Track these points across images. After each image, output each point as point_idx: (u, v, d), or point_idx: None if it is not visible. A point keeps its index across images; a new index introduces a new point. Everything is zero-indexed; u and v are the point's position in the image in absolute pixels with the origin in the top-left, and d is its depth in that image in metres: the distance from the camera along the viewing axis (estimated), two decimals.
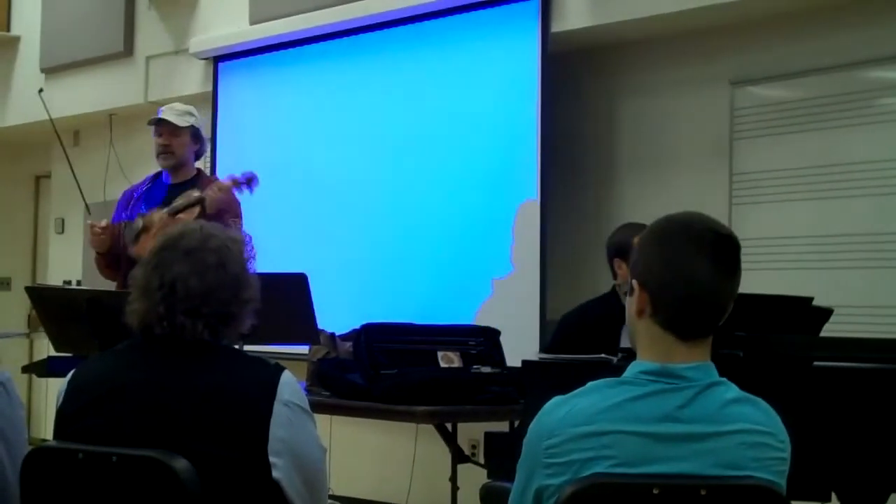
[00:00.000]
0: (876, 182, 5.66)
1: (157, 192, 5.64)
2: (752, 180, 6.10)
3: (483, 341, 5.70)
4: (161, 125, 5.66)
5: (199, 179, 5.67)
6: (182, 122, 5.67)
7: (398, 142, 7.36)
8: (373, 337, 5.46)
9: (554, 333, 5.37)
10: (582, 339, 5.03)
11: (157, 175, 5.77)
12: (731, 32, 6.26)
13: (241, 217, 5.46)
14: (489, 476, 4.89)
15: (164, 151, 5.64)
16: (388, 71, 7.50)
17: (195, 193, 5.39)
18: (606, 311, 5.22)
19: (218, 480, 2.51)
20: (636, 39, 6.63)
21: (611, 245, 5.28)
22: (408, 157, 7.30)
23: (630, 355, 2.40)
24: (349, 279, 7.44)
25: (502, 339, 5.77)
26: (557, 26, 6.59)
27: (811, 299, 4.05)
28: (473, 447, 6.71)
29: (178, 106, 5.75)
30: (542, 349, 5.34)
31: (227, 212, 5.33)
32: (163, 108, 5.74)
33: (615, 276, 5.24)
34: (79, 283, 9.91)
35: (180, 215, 5.25)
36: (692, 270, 2.24)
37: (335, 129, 7.76)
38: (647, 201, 6.45)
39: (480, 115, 6.96)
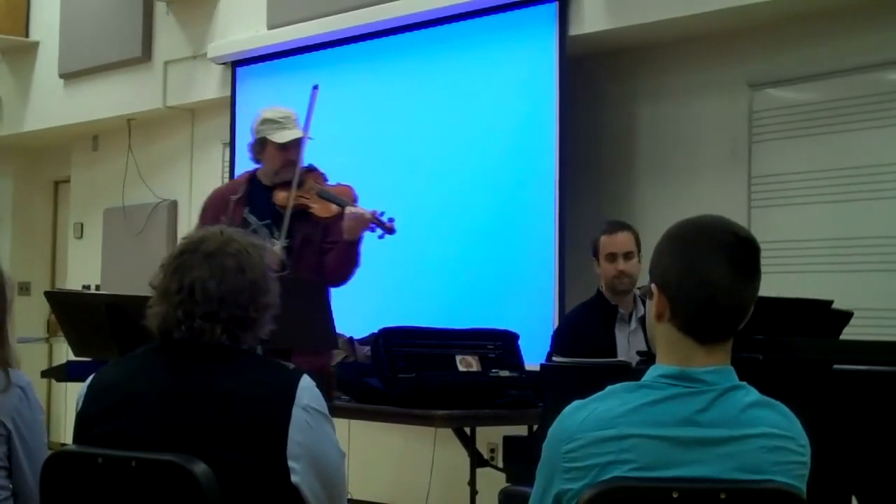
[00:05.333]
0: (895, 184, 5.64)
1: (261, 194, 5.33)
2: (771, 183, 6.09)
3: (501, 345, 5.71)
4: (299, 141, 5.31)
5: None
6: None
7: (416, 145, 7.36)
8: (391, 341, 5.47)
9: (551, 343, 5.41)
10: (575, 345, 5.05)
11: (251, 177, 5.46)
12: (749, 35, 6.25)
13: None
14: (508, 480, 4.90)
15: (294, 164, 5.28)
16: (406, 75, 7.50)
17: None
18: (592, 314, 5.26)
19: (237, 485, 2.52)
20: (654, 43, 6.62)
21: (591, 244, 5.34)
22: (426, 160, 7.30)
23: (649, 359, 2.39)
24: (367, 283, 7.43)
25: (521, 342, 5.77)
26: (575, 30, 6.59)
27: (831, 302, 4.04)
28: (492, 451, 6.72)
29: (292, 114, 5.37)
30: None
31: (339, 233, 5.16)
32: (277, 118, 5.32)
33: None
34: (97, 287, 9.94)
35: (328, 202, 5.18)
36: (711, 274, 2.23)
37: (352, 133, 7.76)
38: (665, 204, 6.44)
39: (499, 119, 6.96)
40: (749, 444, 2.20)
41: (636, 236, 5.30)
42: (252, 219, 5.25)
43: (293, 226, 5.14)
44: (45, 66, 10.65)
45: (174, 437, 2.55)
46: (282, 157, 5.27)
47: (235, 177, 5.48)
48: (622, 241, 5.26)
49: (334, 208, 5.16)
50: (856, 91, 5.81)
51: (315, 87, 5.42)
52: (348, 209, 5.10)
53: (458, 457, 6.03)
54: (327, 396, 5.24)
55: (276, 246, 5.09)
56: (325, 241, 5.19)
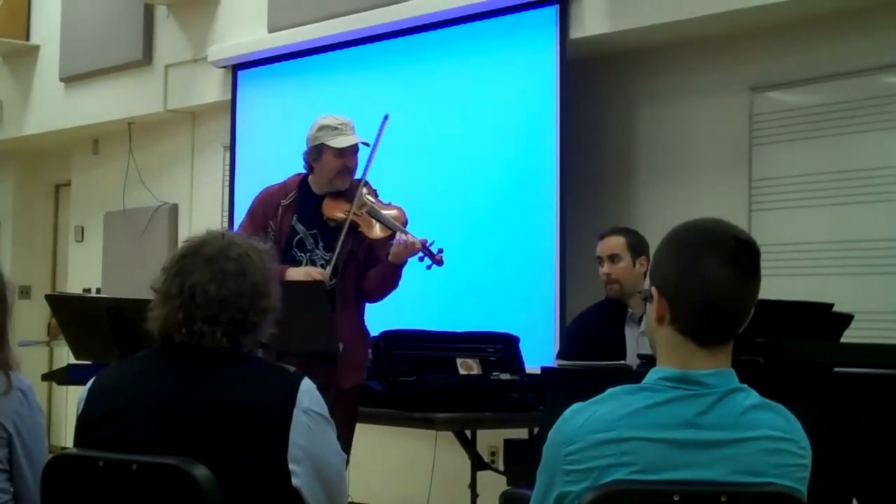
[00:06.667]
0: (895, 187, 5.64)
1: (311, 202, 5.27)
2: (772, 186, 6.09)
3: (502, 348, 5.71)
4: (356, 149, 5.27)
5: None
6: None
7: (417, 148, 7.35)
8: (392, 344, 5.47)
9: (560, 345, 5.43)
10: (585, 346, 5.09)
11: (303, 182, 5.36)
12: (749, 38, 6.25)
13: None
14: (509, 483, 4.90)
15: (349, 173, 5.25)
16: (407, 78, 7.50)
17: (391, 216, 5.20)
18: (603, 315, 5.30)
19: (238, 488, 2.52)
20: (655, 46, 6.62)
21: None
22: (427, 163, 7.30)
23: (650, 362, 2.39)
24: None
25: (522, 345, 5.77)
26: (576, 33, 6.59)
27: (831, 305, 4.05)
28: (493, 454, 6.71)
29: (350, 122, 5.34)
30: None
31: (383, 252, 5.16)
32: (336, 125, 5.27)
33: None
34: (98, 290, 9.94)
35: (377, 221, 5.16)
36: (711, 276, 2.23)
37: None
38: (666, 207, 6.43)
39: (499, 122, 6.96)
40: (750, 447, 2.20)
41: (632, 240, 5.31)
42: (300, 227, 5.25)
43: (342, 242, 5.14)
44: (46, 70, 10.65)
45: (175, 441, 2.55)
46: (339, 163, 5.22)
47: (286, 179, 5.41)
48: (607, 244, 5.32)
49: (385, 231, 5.15)
50: (856, 94, 5.81)
51: (385, 117, 5.39)
52: (400, 235, 5.09)
53: (458, 460, 6.04)
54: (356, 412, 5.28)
55: (328, 271, 5.09)
56: (368, 259, 5.19)
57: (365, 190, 5.27)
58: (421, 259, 5.12)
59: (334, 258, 5.10)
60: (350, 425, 5.11)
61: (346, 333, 5.03)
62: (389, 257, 5.10)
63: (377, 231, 5.16)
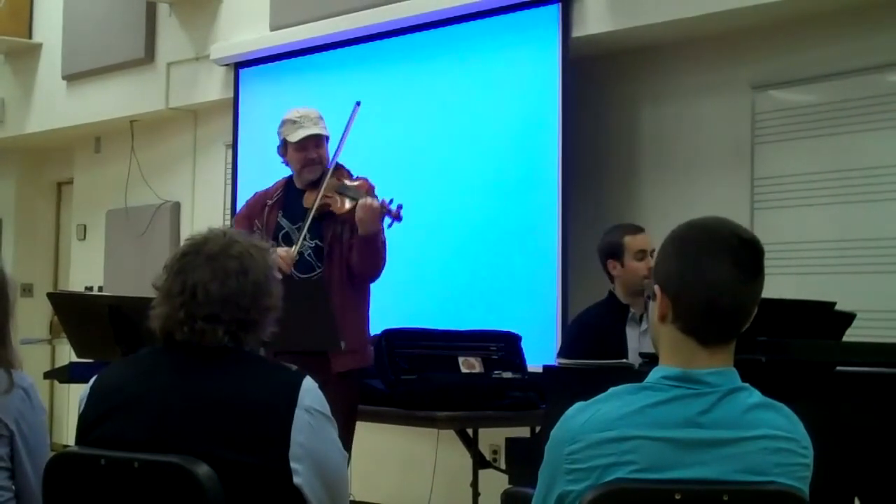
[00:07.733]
0: None
1: (294, 198, 5.35)
2: (774, 184, 6.08)
3: (504, 346, 5.71)
4: (316, 139, 5.32)
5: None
6: (327, 131, 5.39)
7: (419, 147, 7.35)
8: (394, 342, 5.47)
9: (562, 344, 5.42)
10: (587, 346, 5.07)
11: (288, 181, 5.44)
12: (752, 36, 6.24)
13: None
14: (510, 482, 4.89)
15: (315, 164, 5.31)
16: (409, 77, 7.49)
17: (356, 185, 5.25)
18: (605, 315, 5.27)
19: (240, 486, 2.51)
20: (657, 44, 6.62)
21: (602, 248, 5.31)
22: (429, 162, 7.29)
23: (652, 360, 2.39)
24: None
25: (524, 343, 5.77)
26: (578, 31, 6.58)
27: (833, 304, 4.04)
28: (495, 453, 6.71)
29: (312, 114, 5.39)
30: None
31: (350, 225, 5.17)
32: (295, 118, 5.35)
33: (611, 279, 5.27)
34: (100, 288, 9.94)
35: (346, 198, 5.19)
36: (714, 275, 2.23)
37: (354, 135, 7.74)
38: (668, 206, 6.43)
39: (502, 121, 6.95)
40: (752, 446, 2.20)
41: None
42: (284, 222, 5.33)
43: (324, 227, 5.18)
44: (48, 68, 10.66)
45: (176, 439, 2.55)
46: (300, 156, 5.31)
47: (275, 182, 5.49)
48: (648, 239, 5.23)
49: (349, 203, 5.17)
50: (858, 93, 5.80)
51: (357, 104, 5.44)
52: (360, 201, 5.10)
53: (460, 458, 6.03)
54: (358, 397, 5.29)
55: (294, 249, 5.13)
56: (351, 239, 5.19)
57: (336, 174, 5.33)
58: (385, 217, 5.11)
59: (303, 234, 5.14)
60: (350, 423, 5.10)
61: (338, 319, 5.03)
62: (359, 231, 5.10)
63: (345, 205, 5.19)
